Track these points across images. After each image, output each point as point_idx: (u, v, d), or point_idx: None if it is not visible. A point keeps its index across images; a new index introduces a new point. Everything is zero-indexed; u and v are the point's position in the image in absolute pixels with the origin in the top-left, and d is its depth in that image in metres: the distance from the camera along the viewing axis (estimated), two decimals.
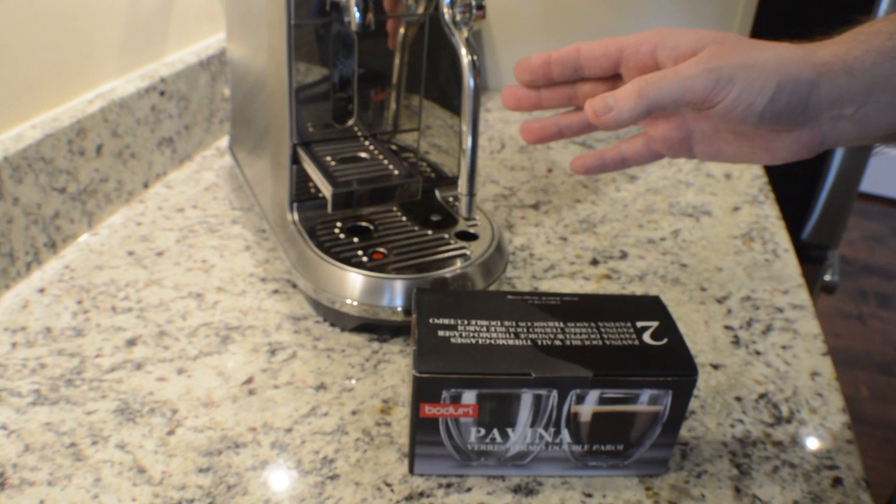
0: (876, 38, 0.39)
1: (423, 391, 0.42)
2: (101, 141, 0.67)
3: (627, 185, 0.83)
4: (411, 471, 0.45)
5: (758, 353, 0.57)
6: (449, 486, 0.45)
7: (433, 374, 0.41)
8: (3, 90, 0.60)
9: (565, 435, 0.44)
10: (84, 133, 0.65)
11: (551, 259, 0.68)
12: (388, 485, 0.45)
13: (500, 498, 0.44)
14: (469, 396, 0.42)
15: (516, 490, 0.45)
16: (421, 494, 0.44)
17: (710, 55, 0.38)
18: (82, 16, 0.66)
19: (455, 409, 0.42)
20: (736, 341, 0.59)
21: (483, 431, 0.43)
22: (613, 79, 0.45)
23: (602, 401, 0.42)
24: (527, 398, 0.42)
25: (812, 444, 0.49)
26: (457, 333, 0.43)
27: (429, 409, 0.42)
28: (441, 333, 0.43)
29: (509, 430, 0.43)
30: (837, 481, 0.46)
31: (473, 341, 0.43)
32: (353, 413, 0.50)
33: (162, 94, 0.74)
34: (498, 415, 0.43)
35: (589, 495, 0.45)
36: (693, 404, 0.52)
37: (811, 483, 0.46)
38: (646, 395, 0.42)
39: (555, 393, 0.42)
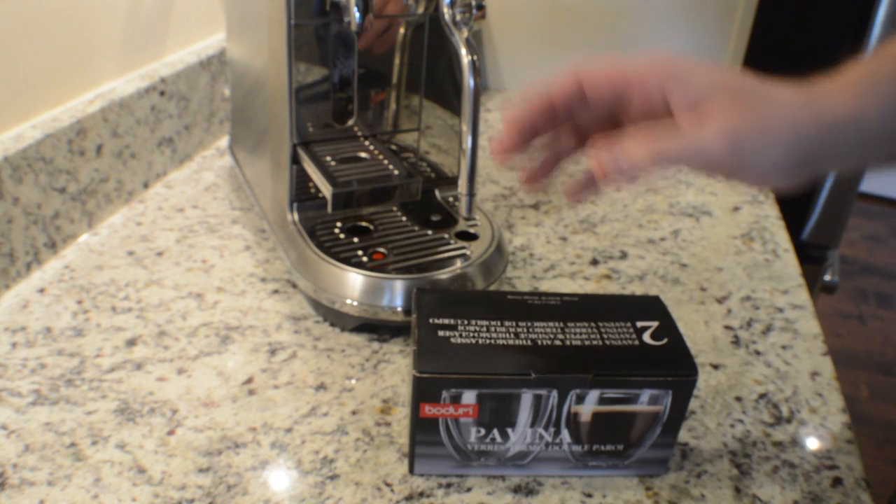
0: (890, 86, 0.38)
1: (423, 391, 0.42)
2: (101, 141, 0.67)
3: (627, 185, 0.83)
4: (411, 471, 0.45)
5: (758, 353, 0.57)
6: (449, 486, 0.45)
7: (433, 374, 0.41)
8: (3, 90, 0.60)
9: (565, 435, 0.44)
10: (84, 133, 0.65)
11: (551, 259, 0.68)
12: (388, 485, 0.45)
13: (500, 498, 0.44)
14: (469, 396, 0.42)
15: (516, 490, 0.45)
16: (421, 494, 0.44)
17: (723, 114, 0.37)
18: (82, 16, 0.66)
19: (455, 409, 0.42)
20: (736, 341, 0.59)
21: (483, 431, 0.43)
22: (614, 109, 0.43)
23: (602, 401, 0.42)
24: (527, 398, 0.42)
25: (812, 444, 0.49)
26: (457, 333, 0.43)
27: (429, 409, 0.42)
28: (441, 333, 0.43)
29: (509, 430, 0.43)
30: (837, 481, 0.46)
31: (473, 341, 0.43)
32: (353, 413, 0.50)
33: (162, 94, 0.74)
34: (498, 415, 0.43)
35: (589, 495, 0.45)
36: (693, 404, 0.52)
37: (811, 483, 0.46)
38: (646, 395, 0.42)
39: (555, 393, 0.42)
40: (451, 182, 0.67)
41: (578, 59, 0.42)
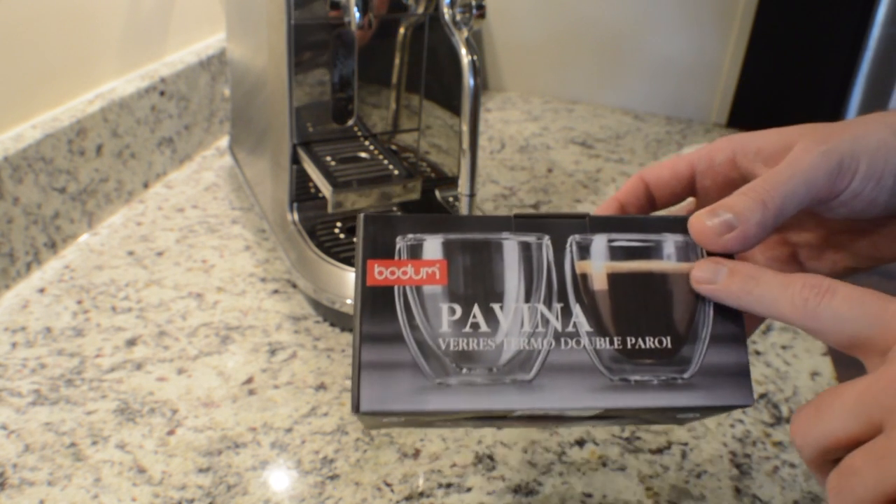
0: None
1: (371, 243, 0.29)
2: (101, 141, 0.67)
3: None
4: (356, 408, 0.28)
5: (758, 353, 0.57)
6: (449, 485, 0.45)
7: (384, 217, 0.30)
8: (3, 90, 0.60)
9: (580, 316, 0.30)
10: (84, 133, 0.65)
11: None
12: (388, 485, 0.45)
13: (500, 498, 0.44)
14: (433, 247, 0.30)
15: (516, 490, 0.45)
16: (421, 494, 0.44)
17: (813, 141, 0.31)
18: (82, 16, 0.66)
19: (415, 269, 0.29)
20: None
21: (458, 311, 0.29)
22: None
23: (614, 253, 0.31)
24: (511, 248, 0.30)
25: None
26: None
27: (378, 271, 0.29)
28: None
29: (496, 308, 0.29)
30: None
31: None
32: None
33: (162, 94, 0.74)
34: (476, 278, 0.29)
35: (589, 495, 0.45)
36: None
37: (811, 483, 0.46)
38: (669, 244, 0.31)
39: (547, 241, 0.30)
40: (451, 182, 0.67)
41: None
